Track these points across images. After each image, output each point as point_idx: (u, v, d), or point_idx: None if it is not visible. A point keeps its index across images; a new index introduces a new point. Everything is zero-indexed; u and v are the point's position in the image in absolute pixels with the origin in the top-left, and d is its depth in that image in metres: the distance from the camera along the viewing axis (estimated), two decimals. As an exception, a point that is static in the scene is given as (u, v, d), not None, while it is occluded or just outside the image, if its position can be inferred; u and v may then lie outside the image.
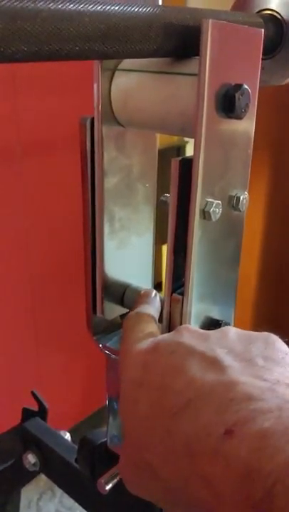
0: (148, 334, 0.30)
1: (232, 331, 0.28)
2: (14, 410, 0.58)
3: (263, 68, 0.39)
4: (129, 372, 0.27)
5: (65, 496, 1.51)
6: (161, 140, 0.38)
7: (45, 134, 1.17)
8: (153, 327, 0.31)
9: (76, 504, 0.57)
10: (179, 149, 1.66)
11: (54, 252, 1.25)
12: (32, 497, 1.36)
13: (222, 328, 0.28)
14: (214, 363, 0.25)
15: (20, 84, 1.06)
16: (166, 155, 0.40)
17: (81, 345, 1.39)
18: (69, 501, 1.32)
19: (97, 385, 1.10)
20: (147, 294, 0.35)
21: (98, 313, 0.37)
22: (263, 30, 0.30)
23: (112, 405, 0.41)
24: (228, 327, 0.29)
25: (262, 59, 0.38)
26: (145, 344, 0.29)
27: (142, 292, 0.35)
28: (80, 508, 0.54)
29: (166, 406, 0.24)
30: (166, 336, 0.29)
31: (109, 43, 0.24)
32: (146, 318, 0.32)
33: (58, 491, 1.34)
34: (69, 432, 0.56)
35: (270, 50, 0.37)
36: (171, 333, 0.29)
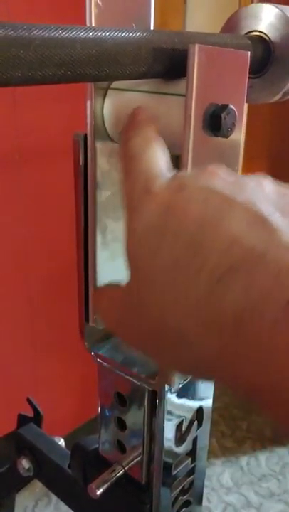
0: (164, 164, 0.25)
1: (266, 181, 0.23)
2: (11, 417, 0.59)
3: (251, 87, 0.40)
4: (148, 215, 0.23)
5: (61, 502, 1.50)
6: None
7: (44, 143, 1.18)
8: (167, 156, 0.26)
9: (71, 511, 0.58)
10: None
11: (52, 259, 1.26)
12: (28, 504, 1.36)
13: (253, 177, 0.24)
14: (261, 221, 0.20)
15: (20, 92, 1.08)
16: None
17: (78, 352, 1.40)
18: (65, 507, 1.32)
19: (94, 392, 1.10)
20: (146, 111, 0.29)
21: (91, 322, 0.38)
22: (249, 52, 0.32)
23: (103, 413, 0.42)
24: (258, 176, 0.24)
25: (251, 78, 0.40)
26: (166, 181, 0.24)
27: (137, 108, 0.29)
28: (75, 514, 0.55)
29: (205, 267, 0.20)
30: (191, 175, 0.24)
31: (101, 67, 0.26)
32: (158, 144, 0.27)
33: (54, 498, 1.34)
34: (66, 438, 0.57)
35: (259, 69, 0.39)
36: (195, 172, 0.24)
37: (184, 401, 0.38)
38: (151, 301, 0.22)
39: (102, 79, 0.27)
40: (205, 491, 1.42)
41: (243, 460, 1.56)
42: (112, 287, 0.27)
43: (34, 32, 0.22)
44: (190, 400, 0.39)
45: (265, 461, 1.56)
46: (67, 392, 1.44)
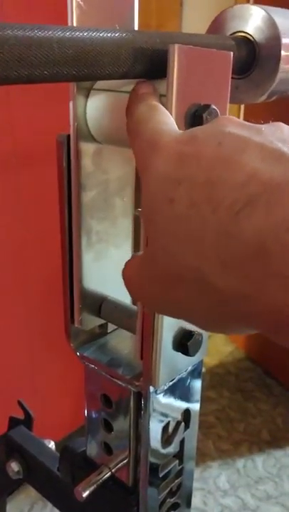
0: (171, 124, 0.26)
1: (283, 124, 0.23)
2: (6, 420, 0.58)
3: (237, 87, 0.40)
4: (159, 168, 0.23)
5: (56, 506, 1.46)
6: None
7: (41, 145, 1.18)
8: (171, 119, 0.27)
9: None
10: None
11: (49, 262, 1.26)
12: (23, 508, 1.35)
13: (273, 123, 0.24)
14: (278, 156, 0.21)
15: (15, 94, 1.08)
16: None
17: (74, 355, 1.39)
18: None
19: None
20: (148, 85, 0.29)
21: (76, 324, 0.38)
22: (232, 53, 0.32)
23: (90, 415, 0.42)
24: (280, 123, 0.24)
25: (236, 78, 0.40)
26: (175, 135, 0.24)
27: (140, 82, 0.30)
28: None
29: (223, 203, 0.20)
30: (202, 127, 0.24)
31: (79, 67, 0.26)
32: (163, 110, 0.27)
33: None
34: (62, 441, 0.57)
35: (244, 70, 0.39)
36: (206, 125, 0.24)
37: (170, 402, 0.38)
38: (172, 252, 0.22)
39: (81, 79, 0.27)
40: (201, 493, 1.41)
41: (240, 462, 1.55)
42: (133, 257, 0.27)
43: (8, 31, 0.22)
44: (176, 401, 0.38)
45: (261, 463, 1.56)
46: (63, 396, 1.43)
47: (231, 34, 0.38)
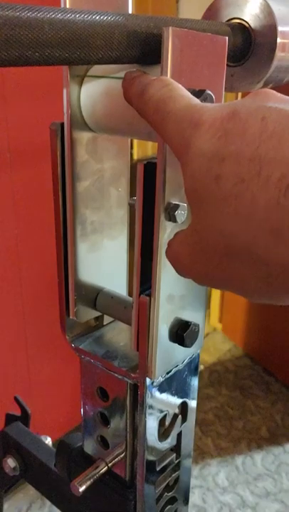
0: (195, 98, 0.25)
1: None
2: (1, 418, 0.58)
3: (232, 75, 0.40)
4: (204, 145, 0.23)
5: (55, 504, 1.46)
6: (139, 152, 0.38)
7: (35, 141, 1.17)
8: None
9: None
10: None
11: (45, 259, 1.25)
12: (21, 507, 1.35)
13: None
14: None
15: (10, 90, 1.07)
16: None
17: (71, 352, 1.39)
18: (58, 510, 1.31)
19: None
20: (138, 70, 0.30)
21: (71, 316, 0.38)
22: (227, 38, 0.31)
23: (86, 409, 0.41)
24: None
25: (232, 66, 0.39)
26: (214, 111, 0.24)
27: (128, 73, 0.29)
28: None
29: (271, 178, 0.20)
30: (242, 101, 0.24)
31: (71, 49, 0.25)
32: (178, 85, 0.27)
33: (48, 501, 1.33)
34: (59, 439, 0.56)
35: (240, 57, 0.38)
36: (245, 99, 0.24)
37: (166, 395, 0.37)
38: (222, 229, 0.22)
39: (73, 62, 0.26)
40: (200, 491, 1.41)
41: (239, 460, 1.55)
42: (176, 235, 0.27)
43: (-3, 10, 0.21)
44: (173, 394, 0.38)
45: (260, 460, 1.55)
46: (60, 395, 1.43)
47: (227, 21, 0.38)
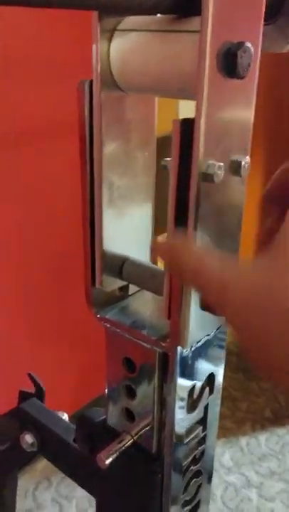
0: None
1: None
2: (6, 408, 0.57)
3: (263, 34, 0.38)
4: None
5: (62, 485, 1.50)
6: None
7: (41, 122, 1.15)
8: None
9: (73, 493, 0.57)
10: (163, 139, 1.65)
11: (49, 242, 1.24)
12: (28, 487, 1.35)
13: None
14: None
15: (13, 68, 1.05)
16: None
17: (75, 336, 1.38)
18: (65, 490, 1.31)
19: (91, 379, 1.09)
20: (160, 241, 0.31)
21: (97, 285, 0.37)
22: (265, -11, 0.30)
23: (111, 382, 0.40)
24: None
25: (263, 25, 0.37)
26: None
27: (153, 243, 0.32)
28: (77, 496, 0.53)
29: None
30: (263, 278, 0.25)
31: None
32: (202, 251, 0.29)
33: (54, 481, 1.33)
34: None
35: (271, 15, 0.36)
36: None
37: (196, 365, 0.36)
38: None
39: (107, 8, 0.24)
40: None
41: (244, 440, 1.56)
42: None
43: None
44: (202, 364, 0.37)
45: (265, 441, 1.56)
46: (63, 377, 1.42)
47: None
